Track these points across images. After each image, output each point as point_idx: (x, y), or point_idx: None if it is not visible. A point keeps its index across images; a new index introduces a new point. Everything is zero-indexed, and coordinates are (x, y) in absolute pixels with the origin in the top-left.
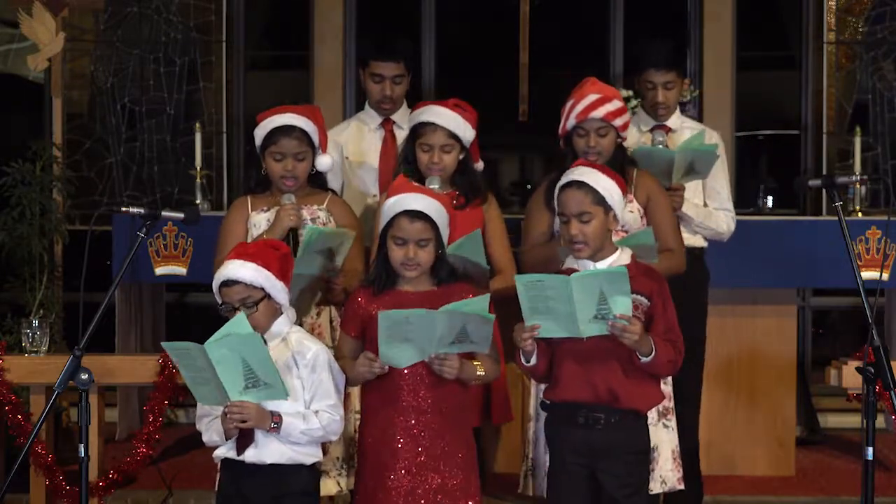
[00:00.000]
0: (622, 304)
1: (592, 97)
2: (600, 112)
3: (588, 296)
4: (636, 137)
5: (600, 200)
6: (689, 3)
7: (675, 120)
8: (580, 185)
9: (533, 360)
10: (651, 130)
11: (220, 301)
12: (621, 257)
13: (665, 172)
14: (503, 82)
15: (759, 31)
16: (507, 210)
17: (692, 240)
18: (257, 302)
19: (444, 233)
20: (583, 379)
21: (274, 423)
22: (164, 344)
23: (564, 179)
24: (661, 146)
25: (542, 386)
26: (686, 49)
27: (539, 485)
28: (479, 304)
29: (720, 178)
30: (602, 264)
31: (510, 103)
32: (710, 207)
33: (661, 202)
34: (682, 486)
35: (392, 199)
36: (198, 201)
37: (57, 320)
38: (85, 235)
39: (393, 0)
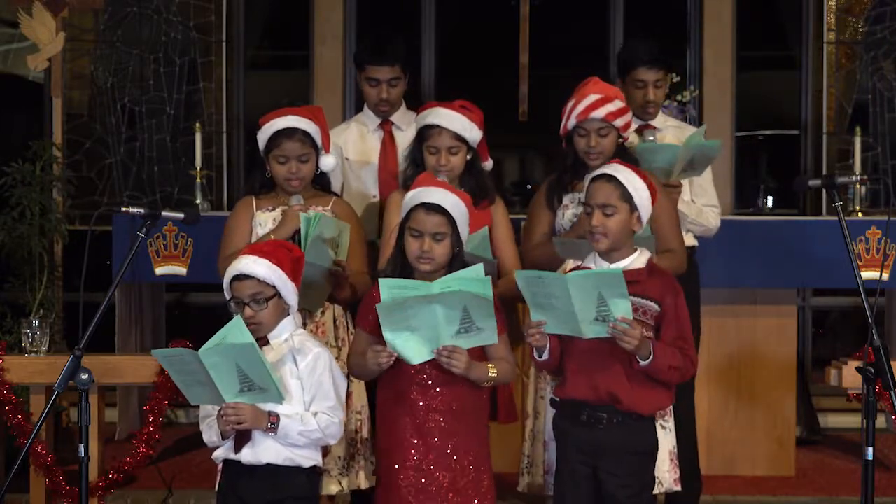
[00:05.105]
0: (622, 307)
1: (594, 97)
2: (601, 112)
3: (586, 297)
4: None
5: (627, 197)
6: (689, 3)
7: (660, 119)
8: (610, 178)
9: (545, 356)
10: (638, 130)
11: (229, 296)
12: (638, 259)
13: (665, 168)
14: (503, 82)
15: (759, 31)
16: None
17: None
18: (268, 299)
19: (464, 231)
20: (585, 379)
21: (271, 423)
22: (154, 352)
23: (597, 171)
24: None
25: (541, 385)
26: (679, 47)
27: (535, 482)
28: (473, 272)
29: (707, 176)
30: (619, 265)
31: (510, 103)
32: (699, 204)
33: (664, 202)
34: (678, 488)
35: (412, 192)
36: (198, 201)
37: (57, 320)
38: (85, 235)
39: (393, 0)
